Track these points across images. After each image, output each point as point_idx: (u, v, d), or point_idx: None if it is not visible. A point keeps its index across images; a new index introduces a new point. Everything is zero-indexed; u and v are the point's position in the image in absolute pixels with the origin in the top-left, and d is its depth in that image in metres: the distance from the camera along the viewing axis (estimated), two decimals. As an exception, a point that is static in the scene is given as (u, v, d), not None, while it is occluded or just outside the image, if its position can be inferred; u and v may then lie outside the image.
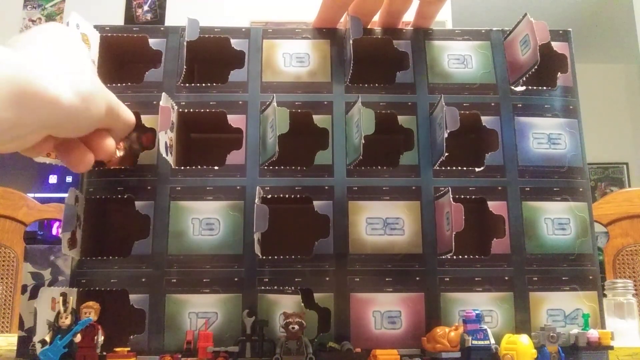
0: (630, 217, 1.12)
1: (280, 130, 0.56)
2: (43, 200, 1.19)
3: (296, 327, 0.51)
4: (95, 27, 0.63)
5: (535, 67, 0.59)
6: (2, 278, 1.14)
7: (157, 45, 0.65)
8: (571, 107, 0.64)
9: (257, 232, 0.54)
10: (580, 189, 0.62)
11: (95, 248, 0.62)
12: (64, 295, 0.55)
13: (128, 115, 0.54)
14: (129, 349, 0.52)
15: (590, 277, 0.60)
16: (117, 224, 0.66)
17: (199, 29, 0.62)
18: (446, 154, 0.56)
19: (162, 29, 0.66)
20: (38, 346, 0.47)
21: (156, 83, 0.63)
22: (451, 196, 0.55)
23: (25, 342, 0.47)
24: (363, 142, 0.55)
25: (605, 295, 0.63)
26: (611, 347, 0.52)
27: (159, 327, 0.56)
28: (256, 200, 0.55)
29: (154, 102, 0.62)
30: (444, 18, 2.59)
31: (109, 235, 0.66)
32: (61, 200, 0.57)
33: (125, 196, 0.59)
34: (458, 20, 2.79)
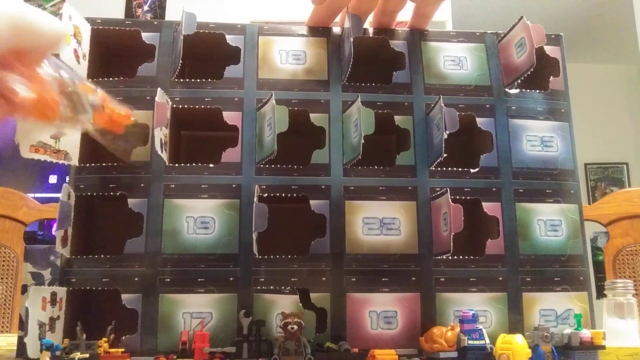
0: (630, 217, 1.14)
1: (279, 129, 0.55)
2: (43, 200, 1.16)
3: (295, 327, 0.50)
4: (87, 19, 0.62)
5: (531, 69, 0.60)
6: (2, 278, 1.11)
7: (150, 39, 0.63)
8: (563, 110, 0.65)
9: (255, 232, 0.54)
10: (572, 191, 0.63)
11: (86, 246, 0.61)
12: (53, 294, 0.54)
13: (47, 26, 0.37)
14: (123, 349, 0.51)
15: (581, 278, 0.61)
16: (109, 221, 0.64)
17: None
18: (444, 155, 0.56)
19: (155, 23, 0.64)
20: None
21: (149, 78, 0.61)
22: (450, 197, 0.55)
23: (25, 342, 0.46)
24: (363, 141, 0.55)
25: (605, 295, 0.64)
26: (603, 347, 0.53)
27: (152, 327, 0.55)
28: (255, 199, 0.54)
29: (147, 97, 0.60)
30: (443, 18, 2.59)
31: (101, 234, 0.64)
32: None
33: (118, 193, 0.58)
34: (458, 20, 2.80)
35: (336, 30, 0.66)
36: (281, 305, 0.56)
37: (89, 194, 0.58)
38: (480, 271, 0.59)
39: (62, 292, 0.55)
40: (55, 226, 0.52)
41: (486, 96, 0.64)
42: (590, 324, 0.60)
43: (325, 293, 0.57)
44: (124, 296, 0.55)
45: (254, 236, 0.55)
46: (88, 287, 0.56)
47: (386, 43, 0.65)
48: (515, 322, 0.59)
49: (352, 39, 0.59)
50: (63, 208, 0.53)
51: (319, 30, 0.65)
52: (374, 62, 0.68)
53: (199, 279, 0.56)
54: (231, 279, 0.57)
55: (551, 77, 0.66)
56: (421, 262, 0.59)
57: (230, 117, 0.61)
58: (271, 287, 0.57)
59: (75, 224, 0.58)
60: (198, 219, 0.58)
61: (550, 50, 0.67)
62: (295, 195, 0.59)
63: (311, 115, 0.61)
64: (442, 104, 0.57)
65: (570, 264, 0.61)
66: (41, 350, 0.47)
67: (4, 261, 1.13)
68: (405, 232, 0.59)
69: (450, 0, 2.65)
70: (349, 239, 0.59)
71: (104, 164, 0.58)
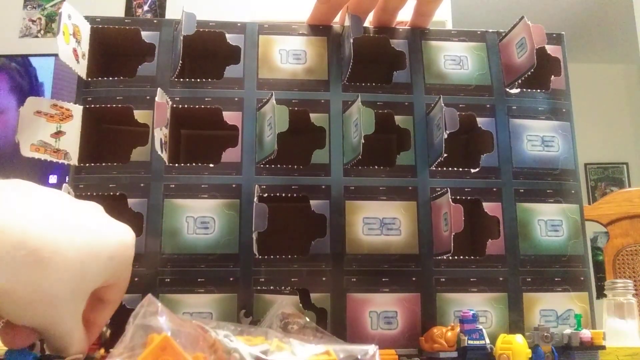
0: (630, 217, 1.13)
1: (279, 128, 0.55)
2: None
3: (295, 327, 0.50)
4: (86, 18, 0.62)
5: (532, 70, 0.59)
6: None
7: (150, 38, 0.63)
8: (564, 110, 0.65)
9: (255, 231, 0.54)
10: (573, 191, 0.63)
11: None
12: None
13: None
14: (122, 350, 0.51)
15: (582, 278, 0.61)
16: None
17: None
18: (445, 155, 0.56)
19: (155, 21, 0.64)
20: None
21: (149, 77, 0.61)
22: (450, 197, 0.55)
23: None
24: (363, 141, 0.54)
25: (605, 296, 0.64)
26: (603, 347, 0.53)
27: (152, 327, 0.55)
28: (255, 199, 0.54)
29: (147, 97, 0.60)
30: (444, 18, 2.59)
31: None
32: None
33: (118, 193, 0.58)
34: (458, 20, 2.79)
35: (337, 29, 0.65)
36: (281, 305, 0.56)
37: (88, 193, 0.58)
38: (480, 271, 0.59)
39: (61, 292, 0.55)
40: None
41: (487, 96, 0.64)
42: (591, 324, 0.60)
43: (325, 293, 0.57)
44: (124, 296, 0.55)
45: (254, 236, 0.54)
46: (88, 287, 0.56)
47: (386, 42, 0.65)
48: (515, 322, 0.58)
49: (352, 40, 0.59)
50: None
51: (319, 29, 0.65)
52: (374, 62, 0.68)
53: (199, 279, 0.56)
54: (231, 279, 0.57)
55: (552, 76, 0.66)
56: (421, 262, 0.59)
57: (230, 117, 0.61)
58: (271, 287, 0.57)
59: (75, 223, 0.58)
60: (198, 219, 0.58)
61: (551, 49, 0.67)
62: (295, 195, 0.59)
63: (311, 115, 0.61)
64: (443, 104, 0.57)
65: (570, 264, 0.61)
66: None
67: (4, 261, 1.13)
68: (405, 232, 0.59)
69: (451, 0, 2.64)
70: (349, 239, 0.58)
71: (103, 164, 0.58)
